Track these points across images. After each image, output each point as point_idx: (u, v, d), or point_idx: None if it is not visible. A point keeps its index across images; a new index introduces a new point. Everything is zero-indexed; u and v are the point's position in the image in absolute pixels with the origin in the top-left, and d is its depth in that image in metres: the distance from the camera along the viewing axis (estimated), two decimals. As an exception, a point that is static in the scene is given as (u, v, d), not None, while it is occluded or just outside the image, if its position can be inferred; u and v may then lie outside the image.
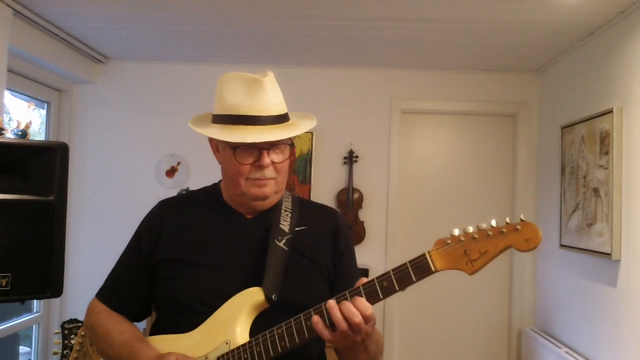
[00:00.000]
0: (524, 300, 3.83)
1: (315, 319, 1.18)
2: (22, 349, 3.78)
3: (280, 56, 3.71)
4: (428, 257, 1.19)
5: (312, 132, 3.86)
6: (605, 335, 2.80)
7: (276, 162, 1.35)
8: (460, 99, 3.91)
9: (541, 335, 3.47)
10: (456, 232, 1.18)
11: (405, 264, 1.19)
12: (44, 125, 3.79)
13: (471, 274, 1.18)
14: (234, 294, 1.30)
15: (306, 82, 3.90)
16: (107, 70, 3.95)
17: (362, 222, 3.86)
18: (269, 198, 1.38)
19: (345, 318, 1.15)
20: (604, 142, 2.79)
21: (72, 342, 2.18)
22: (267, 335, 1.24)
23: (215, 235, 1.40)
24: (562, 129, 3.32)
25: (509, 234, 1.14)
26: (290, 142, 1.37)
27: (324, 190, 3.89)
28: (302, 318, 1.22)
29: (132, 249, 1.46)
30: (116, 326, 1.38)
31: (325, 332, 1.17)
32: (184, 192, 3.68)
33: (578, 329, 3.13)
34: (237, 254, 1.37)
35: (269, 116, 1.32)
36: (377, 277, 1.21)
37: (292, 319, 1.23)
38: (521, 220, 1.14)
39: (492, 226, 1.16)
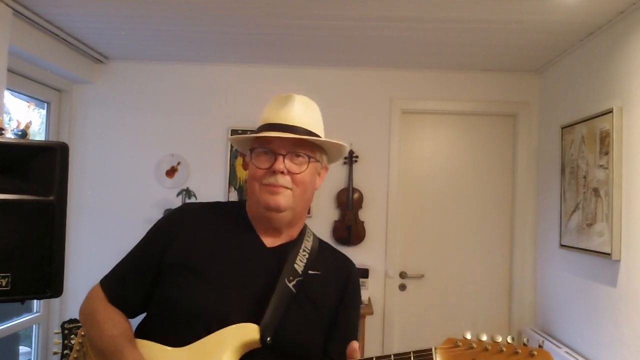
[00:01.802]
0: (524, 300, 3.83)
1: None
2: (22, 349, 3.78)
3: (280, 56, 3.71)
4: (434, 354, 1.15)
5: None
6: (605, 335, 2.80)
7: (294, 173, 1.33)
8: (460, 99, 3.91)
9: (541, 335, 3.47)
10: (469, 336, 1.14)
11: (409, 353, 1.16)
12: (44, 125, 3.79)
13: None
14: (230, 320, 1.27)
15: (306, 82, 3.90)
16: (107, 70, 3.95)
17: (362, 222, 3.86)
18: (283, 211, 1.34)
19: None
20: (604, 142, 2.79)
21: (72, 342, 2.18)
22: None
23: (230, 253, 1.36)
24: (562, 129, 3.32)
25: (523, 358, 1.10)
26: (311, 155, 1.36)
27: (324, 190, 3.89)
28: None
29: (145, 246, 1.44)
30: (111, 318, 1.37)
31: None
32: (184, 192, 3.67)
33: (578, 329, 3.13)
34: (246, 280, 1.33)
35: (294, 126, 1.34)
36: (378, 357, 1.17)
37: None
38: (539, 346, 1.11)
39: (507, 342, 1.11)
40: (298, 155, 1.34)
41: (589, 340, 2.99)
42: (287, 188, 1.33)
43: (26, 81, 3.39)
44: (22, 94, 3.44)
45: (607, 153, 2.76)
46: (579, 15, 2.75)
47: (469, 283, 3.88)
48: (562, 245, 3.28)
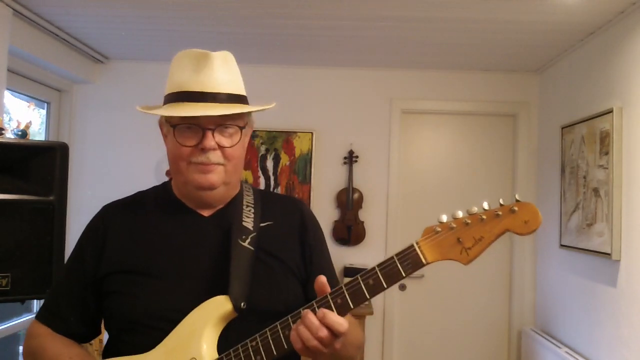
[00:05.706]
0: (524, 300, 3.83)
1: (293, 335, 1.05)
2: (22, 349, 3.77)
3: (280, 56, 3.71)
4: (417, 249, 1.06)
5: (312, 132, 3.87)
6: (605, 335, 2.80)
7: (225, 147, 1.18)
8: (460, 99, 3.91)
9: (541, 335, 3.47)
10: (444, 218, 1.06)
11: (392, 257, 1.06)
12: (44, 125, 3.79)
13: (466, 263, 1.04)
14: (197, 305, 1.15)
15: (306, 82, 3.90)
16: (107, 70, 3.95)
17: (362, 222, 3.86)
18: (216, 188, 1.21)
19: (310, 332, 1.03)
20: (604, 142, 2.79)
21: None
22: (240, 350, 1.10)
23: (170, 239, 1.23)
24: (562, 129, 3.32)
25: (505, 217, 1.01)
26: (242, 125, 1.22)
27: (324, 190, 3.89)
28: (279, 327, 1.08)
29: (74, 264, 1.29)
30: (63, 350, 1.23)
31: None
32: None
33: (578, 329, 3.13)
34: (197, 260, 1.21)
35: (218, 93, 1.19)
36: (362, 275, 1.06)
37: (267, 329, 1.09)
38: (517, 200, 1.01)
39: (484, 209, 1.03)
40: (227, 127, 1.19)
41: (588, 340, 2.99)
42: (219, 164, 1.19)
43: (26, 81, 3.39)
44: (22, 94, 3.44)
45: (607, 153, 2.76)
46: (579, 15, 2.75)
47: (469, 283, 3.88)
48: (562, 245, 3.28)
